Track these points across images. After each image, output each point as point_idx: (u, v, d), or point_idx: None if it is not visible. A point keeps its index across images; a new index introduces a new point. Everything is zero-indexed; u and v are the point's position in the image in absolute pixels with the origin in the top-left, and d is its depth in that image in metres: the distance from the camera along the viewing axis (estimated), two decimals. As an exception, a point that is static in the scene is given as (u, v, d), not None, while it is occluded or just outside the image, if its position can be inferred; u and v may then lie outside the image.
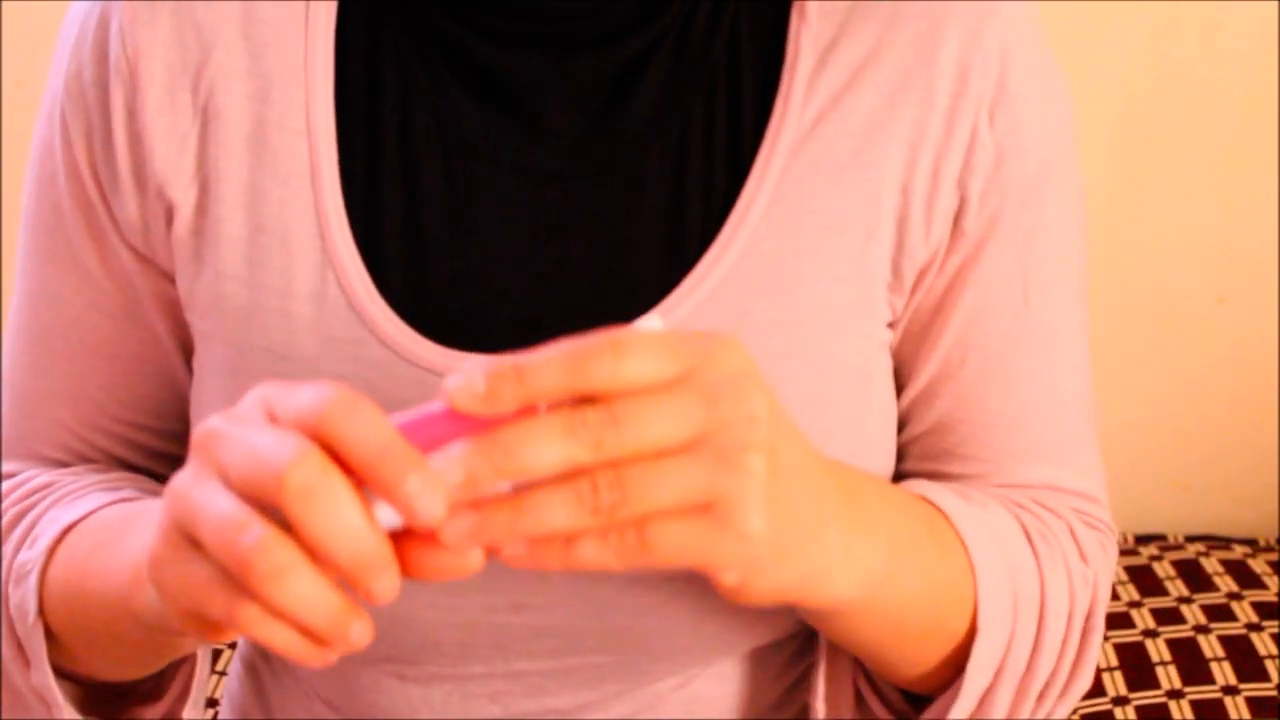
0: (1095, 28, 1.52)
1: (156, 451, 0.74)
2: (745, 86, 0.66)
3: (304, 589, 0.43)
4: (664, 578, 0.65)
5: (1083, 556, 0.69)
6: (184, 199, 0.66)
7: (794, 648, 0.74)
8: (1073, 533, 0.69)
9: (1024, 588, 0.65)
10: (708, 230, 0.65)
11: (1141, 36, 1.54)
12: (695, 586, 0.65)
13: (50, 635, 0.64)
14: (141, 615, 0.54)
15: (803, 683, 0.75)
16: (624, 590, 0.65)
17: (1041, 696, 0.66)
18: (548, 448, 0.44)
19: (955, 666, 0.65)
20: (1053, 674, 0.66)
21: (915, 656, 0.64)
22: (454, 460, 0.44)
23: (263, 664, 0.79)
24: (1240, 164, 1.58)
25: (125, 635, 0.59)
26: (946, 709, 0.64)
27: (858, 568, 0.55)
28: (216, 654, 1.43)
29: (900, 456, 0.71)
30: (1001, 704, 0.64)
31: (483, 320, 0.65)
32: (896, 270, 0.67)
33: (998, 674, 0.64)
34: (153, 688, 0.68)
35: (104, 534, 0.62)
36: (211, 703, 1.38)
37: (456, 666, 0.68)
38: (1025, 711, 0.65)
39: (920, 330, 0.69)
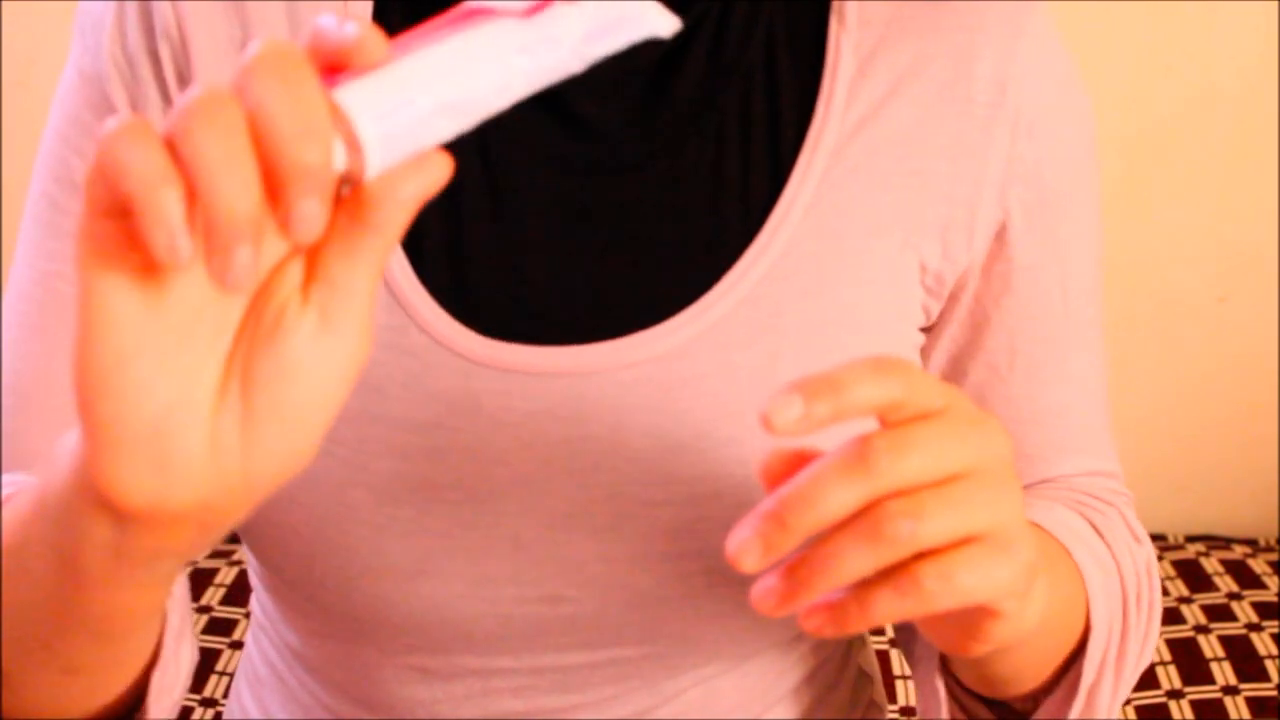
0: (1096, 28, 1.52)
1: None
2: (784, 87, 0.66)
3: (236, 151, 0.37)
4: (700, 568, 0.65)
5: (1136, 538, 0.71)
6: None
7: (807, 645, 0.74)
8: (1124, 518, 0.72)
9: (1112, 585, 0.66)
10: (747, 228, 0.65)
11: (1142, 37, 1.54)
12: (729, 575, 0.65)
13: None
14: (60, 478, 0.46)
15: (811, 679, 0.75)
16: (662, 581, 0.65)
17: (1126, 676, 0.68)
18: (839, 489, 0.44)
19: (1057, 672, 0.66)
20: (1136, 653, 0.68)
21: (1041, 671, 0.65)
22: (755, 539, 0.44)
23: (269, 675, 0.78)
24: (1240, 164, 1.58)
25: (40, 549, 0.49)
26: (1065, 709, 0.65)
27: (1043, 594, 0.55)
28: (214, 655, 1.43)
29: None
30: (1105, 696, 0.65)
31: (521, 309, 0.64)
32: (938, 276, 0.68)
33: (1101, 667, 0.65)
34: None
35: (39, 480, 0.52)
36: (210, 703, 1.38)
37: (484, 659, 0.68)
38: (1118, 697, 0.66)
39: (966, 338, 0.70)
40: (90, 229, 0.40)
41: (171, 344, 0.40)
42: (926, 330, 0.70)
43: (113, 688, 0.57)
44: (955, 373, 0.71)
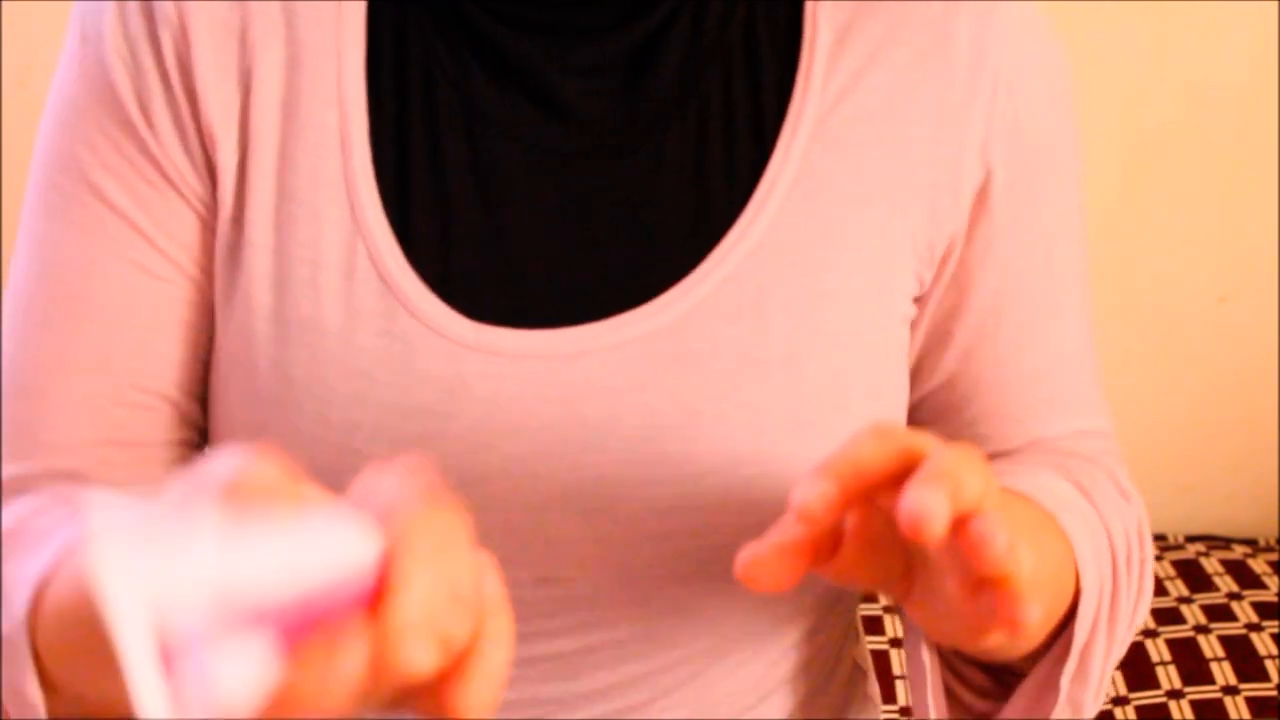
0: (1096, 28, 1.52)
1: (184, 420, 0.71)
2: (764, 65, 0.67)
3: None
4: (690, 547, 0.65)
5: (1124, 495, 0.71)
6: (227, 163, 0.65)
7: (799, 633, 0.74)
8: (1112, 476, 0.72)
9: (1101, 546, 0.66)
10: (732, 207, 0.65)
11: (1142, 37, 1.54)
12: (719, 554, 0.65)
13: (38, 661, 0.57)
14: None
15: (804, 672, 0.75)
16: (653, 561, 0.65)
17: (1119, 637, 0.67)
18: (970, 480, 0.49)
19: (1049, 636, 0.66)
20: (1128, 613, 0.68)
21: (1034, 638, 0.64)
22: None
23: None
24: (1240, 164, 1.58)
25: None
26: (1055, 668, 0.65)
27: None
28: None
29: (930, 423, 0.72)
30: (1098, 656, 0.65)
31: (509, 294, 0.65)
32: (929, 243, 0.68)
33: (1094, 626, 0.65)
34: None
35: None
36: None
37: None
38: (1111, 658, 0.67)
39: (952, 301, 0.70)
40: None
41: None
42: (919, 300, 0.70)
43: None
44: (942, 336, 0.71)
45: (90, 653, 0.51)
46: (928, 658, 0.66)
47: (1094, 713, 0.67)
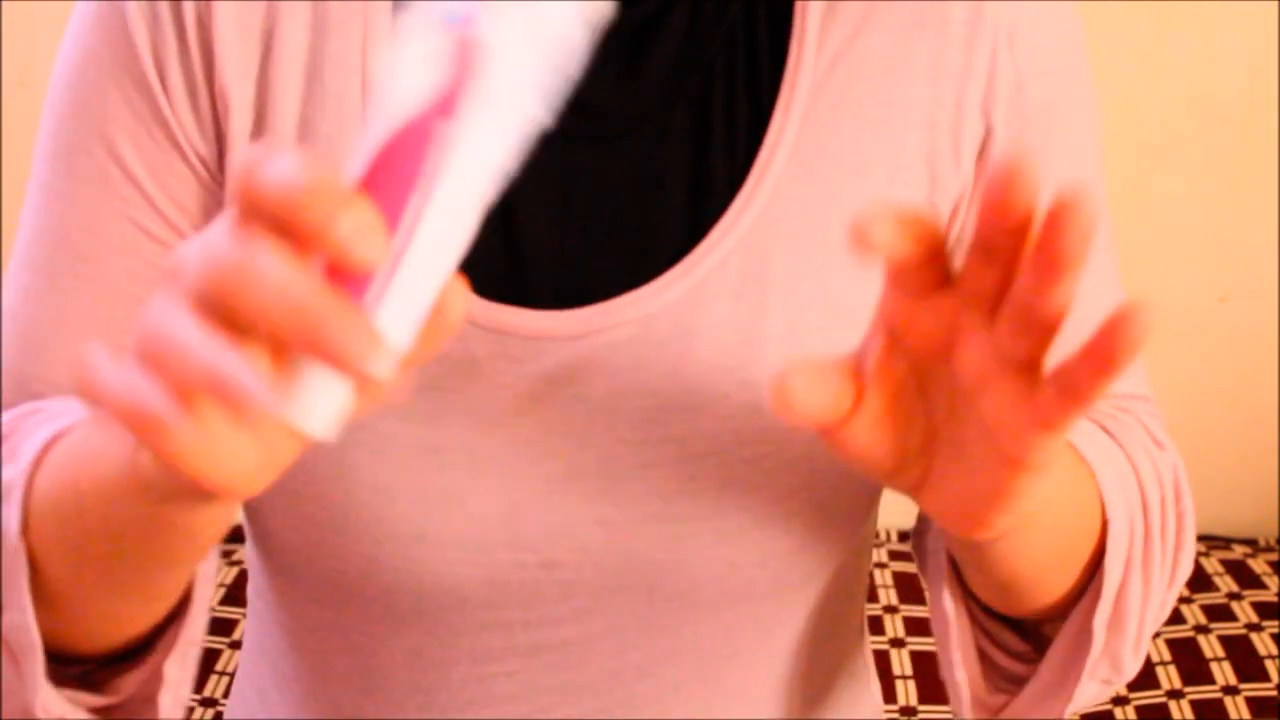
0: (1096, 28, 1.52)
1: None
2: (760, 36, 0.66)
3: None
4: (692, 530, 0.65)
5: (1157, 443, 0.69)
6: (241, 126, 0.64)
7: (801, 632, 0.74)
8: (1143, 425, 0.70)
9: (1128, 481, 0.64)
10: (733, 180, 0.65)
11: (1142, 37, 1.54)
12: (720, 539, 0.65)
13: (33, 571, 0.59)
14: (147, 477, 0.49)
15: (808, 673, 0.75)
16: (654, 545, 0.65)
17: (1155, 586, 0.66)
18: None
19: (1081, 584, 0.64)
20: (1161, 561, 0.66)
21: (1061, 570, 0.63)
22: None
23: (268, 669, 0.79)
24: (1240, 164, 1.58)
25: (126, 525, 0.54)
26: (1089, 616, 0.63)
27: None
28: (214, 655, 1.43)
29: None
30: (1134, 603, 0.63)
31: (516, 274, 0.65)
32: (933, 209, 0.66)
33: (1127, 568, 0.63)
34: (135, 654, 0.64)
35: (97, 427, 0.56)
36: (210, 702, 1.38)
37: (478, 638, 0.68)
38: (1149, 608, 0.65)
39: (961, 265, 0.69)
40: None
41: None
42: None
43: (172, 604, 0.61)
44: None
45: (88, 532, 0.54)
46: (950, 606, 0.65)
47: (1134, 671, 0.66)
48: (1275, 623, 1.45)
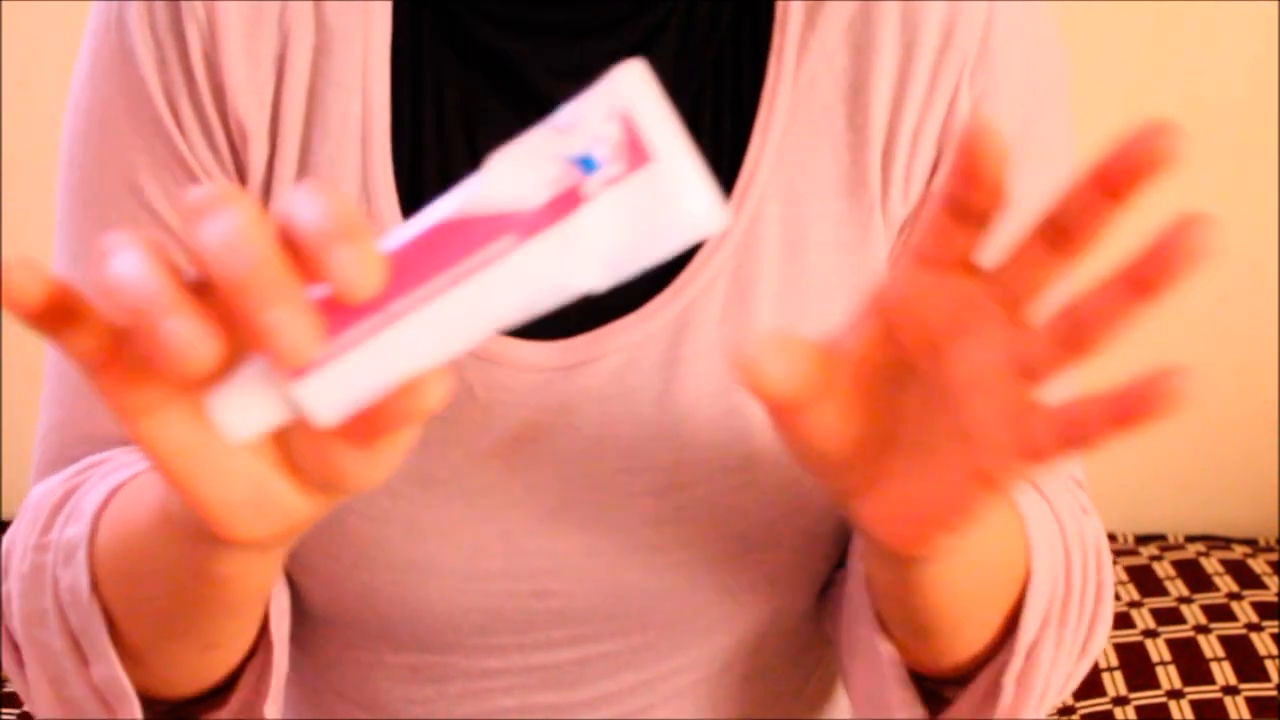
0: (1096, 29, 1.52)
1: None
2: (745, 58, 0.66)
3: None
4: (682, 560, 0.65)
5: (1083, 509, 0.68)
6: (259, 155, 0.64)
7: (794, 651, 0.74)
8: (1069, 489, 0.68)
9: (1054, 538, 0.63)
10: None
11: (1142, 38, 1.54)
12: (711, 567, 0.65)
13: (110, 623, 0.59)
14: (173, 512, 0.50)
15: (798, 690, 0.75)
16: (646, 574, 0.65)
17: (1066, 650, 0.64)
18: None
19: (993, 645, 0.62)
20: (1076, 625, 0.64)
21: (980, 617, 0.61)
22: None
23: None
24: (1240, 164, 1.58)
25: (166, 571, 0.54)
26: (1001, 669, 0.61)
27: None
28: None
29: None
30: (1045, 660, 0.61)
31: None
32: (898, 226, 0.66)
33: (1043, 625, 0.61)
34: (217, 695, 0.64)
35: (146, 479, 0.57)
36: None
37: (474, 659, 0.68)
38: (1058, 668, 0.63)
39: None
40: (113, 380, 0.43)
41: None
42: None
43: (240, 652, 0.61)
44: None
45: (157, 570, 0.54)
46: (885, 647, 0.62)
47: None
48: (1275, 623, 1.45)
